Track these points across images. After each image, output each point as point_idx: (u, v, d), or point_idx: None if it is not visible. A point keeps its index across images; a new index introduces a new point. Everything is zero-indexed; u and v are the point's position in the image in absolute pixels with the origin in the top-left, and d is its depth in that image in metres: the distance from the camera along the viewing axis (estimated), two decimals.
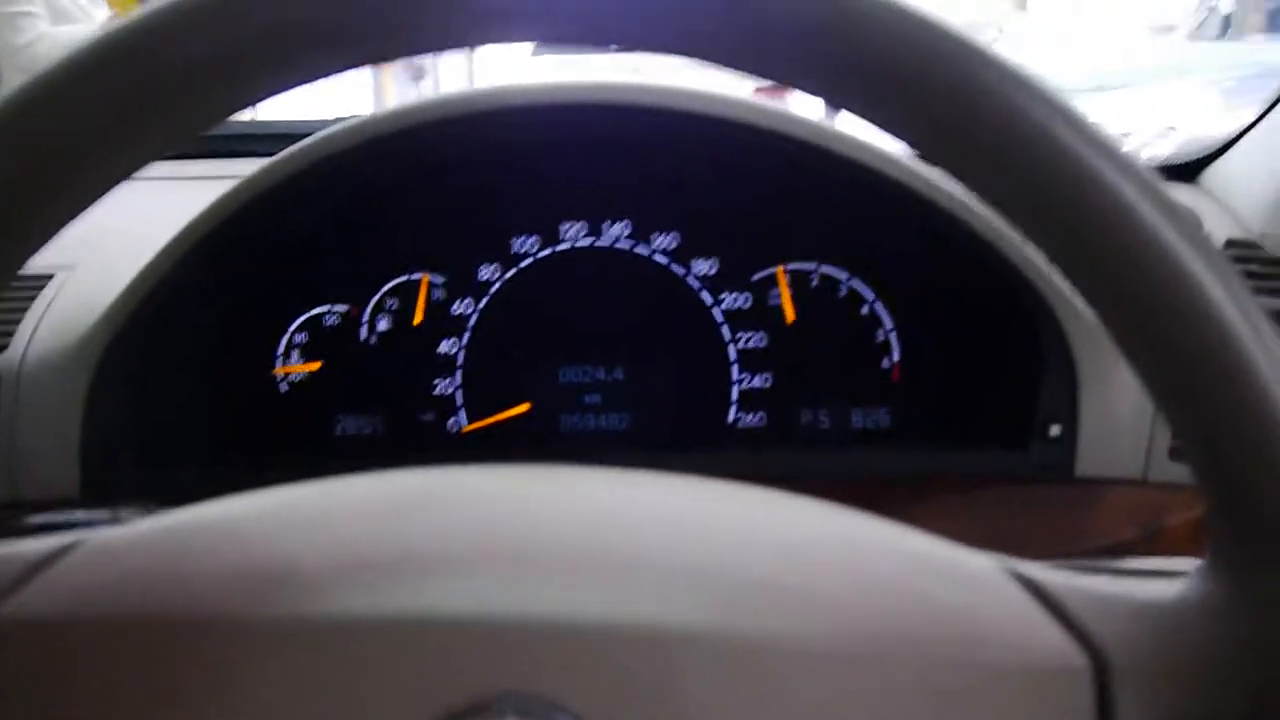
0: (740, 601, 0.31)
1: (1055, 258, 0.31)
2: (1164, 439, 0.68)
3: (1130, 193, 0.29)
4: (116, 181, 0.32)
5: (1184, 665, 0.31)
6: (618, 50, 0.34)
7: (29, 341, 0.70)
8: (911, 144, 0.31)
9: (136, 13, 0.30)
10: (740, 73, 0.31)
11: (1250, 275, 0.77)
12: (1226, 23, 6.88)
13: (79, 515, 0.58)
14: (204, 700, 0.31)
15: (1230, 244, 0.80)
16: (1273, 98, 0.90)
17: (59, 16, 3.20)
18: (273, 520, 0.35)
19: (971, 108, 0.29)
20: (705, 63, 0.31)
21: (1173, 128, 1.14)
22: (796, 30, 0.29)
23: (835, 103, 0.31)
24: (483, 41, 0.31)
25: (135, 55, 0.29)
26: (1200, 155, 0.95)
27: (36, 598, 0.33)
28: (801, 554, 0.33)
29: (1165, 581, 0.33)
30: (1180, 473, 0.68)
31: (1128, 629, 0.31)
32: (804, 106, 0.72)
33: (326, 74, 0.31)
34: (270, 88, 0.31)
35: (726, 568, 0.32)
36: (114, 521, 0.57)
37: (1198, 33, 6.83)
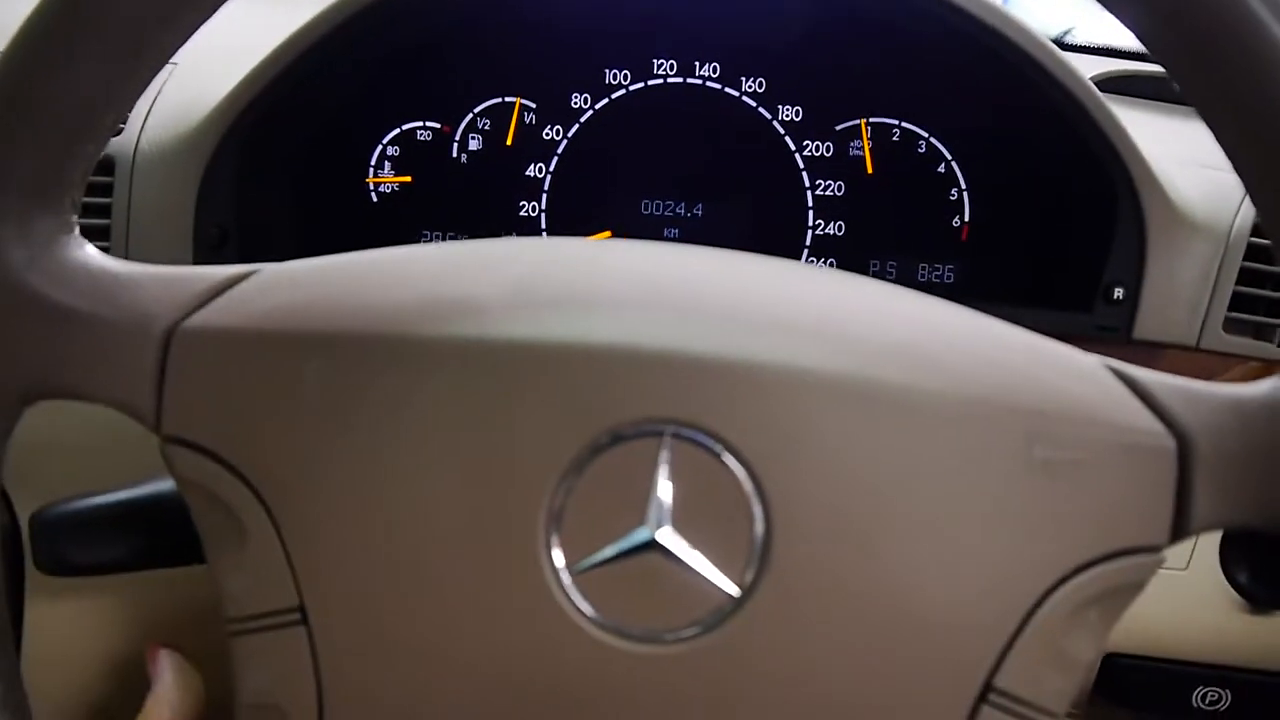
0: (876, 356, 0.35)
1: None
2: (1220, 311, 0.72)
3: None
4: None
5: (1261, 454, 0.35)
6: None
7: (142, 128, 0.73)
8: None
9: None
10: None
11: None
12: None
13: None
14: (379, 412, 0.34)
15: None
16: None
17: None
18: (444, 260, 0.38)
19: None
20: None
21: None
22: None
23: None
24: None
25: None
26: None
27: (222, 313, 0.37)
28: (935, 328, 0.37)
29: (1251, 384, 0.36)
30: (1231, 343, 0.72)
31: (1213, 418, 0.35)
32: None
33: None
34: None
35: (864, 327, 0.36)
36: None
37: None
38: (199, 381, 0.36)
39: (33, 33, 0.35)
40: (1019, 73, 0.69)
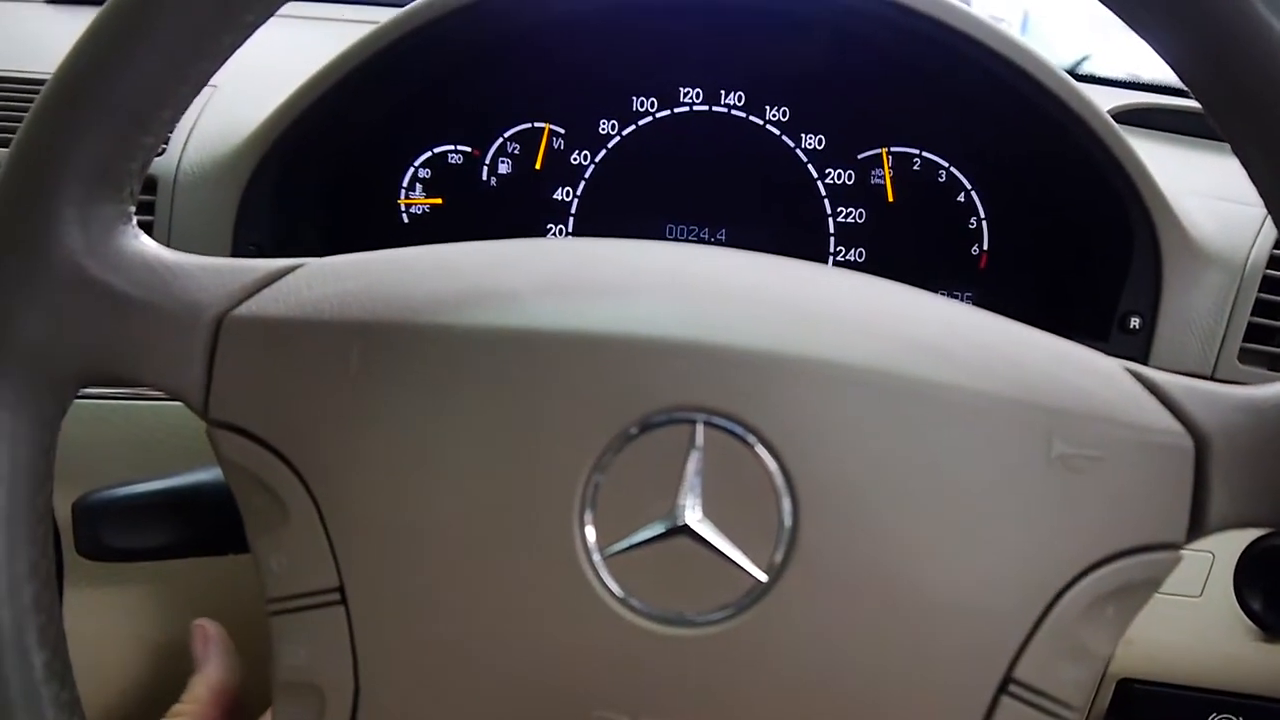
0: (905, 352, 0.36)
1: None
2: (1235, 341, 0.73)
3: None
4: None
5: (1277, 452, 0.36)
6: None
7: (183, 149, 0.75)
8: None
9: None
10: None
11: None
12: None
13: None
14: (420, 398, 0.36)
15: None
16: None
17: None
18: (482, 255, 0.40)
19: None
20: None
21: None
22: None
23: None
24: None
25: None
26: None
27: (270, 303, 0.38)
28: (960, 326, 0.38)
29: (1268, 384, 0.38)
30: (1246, 374, 0.73)
31: (1231, 418, 0.36)
32: None
33: None
34: None
35: (894, 323, 0.37)
36: None
37: None
38: (246, 368, 0.38)
39: (102, 28, 0.37)
40: (1036, 105, 0.71)
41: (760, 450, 0.34)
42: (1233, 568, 0.70)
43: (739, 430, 0.34)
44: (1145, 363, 0.74)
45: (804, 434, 0.34)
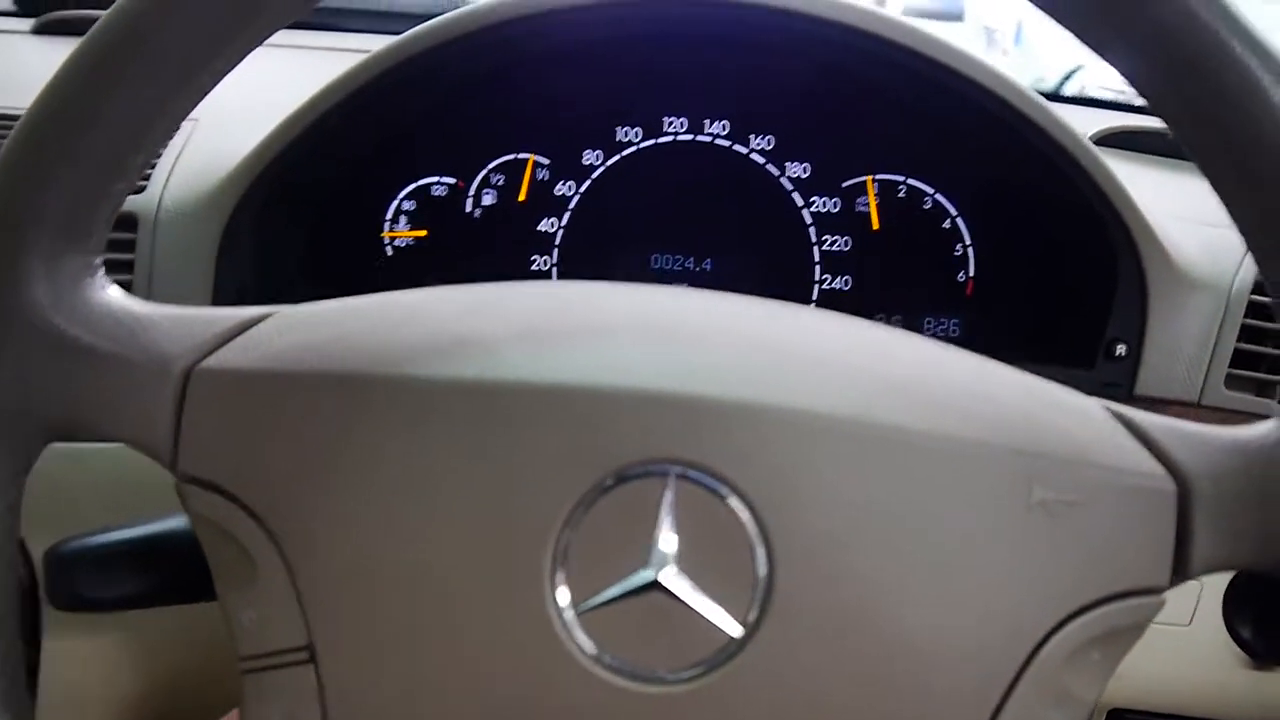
0: (879, 399, 0.35)
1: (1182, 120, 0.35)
2: (1221, 367, 0.73)
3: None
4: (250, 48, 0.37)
5: (1261, 495, 0.35)
6: None
7: (164, 187, 0.75)
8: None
9: None
10: None
11: None
12: None
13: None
14: (390, 452, 0.35)
15: None
16: None
17: None
18: (455, 302, 0.39)
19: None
20: None
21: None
22: None
23: None
24: None
25: None
26: None
27: (239, 354, 0.38)
28: (933, 370, 0.37)
29: (1249, 425, 0.37)
30: (1233, 400, 0.73)
31: (1212, 460, 0.36)
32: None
33: None
34: None
35: (868, 369, 0.37)
36: None
37: None
38: (215, 421, 0.37)
39: (67, 76, 0.36)
40: (1018, 133, 0.71)
41: (734, 502, 0.34)
42: (1222, 596, 0.70)
43: (712, 482, 0.34)
44: (1132, 390, 0.74)
45: (778, 484, 0.34)
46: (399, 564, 0.35)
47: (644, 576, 0.34)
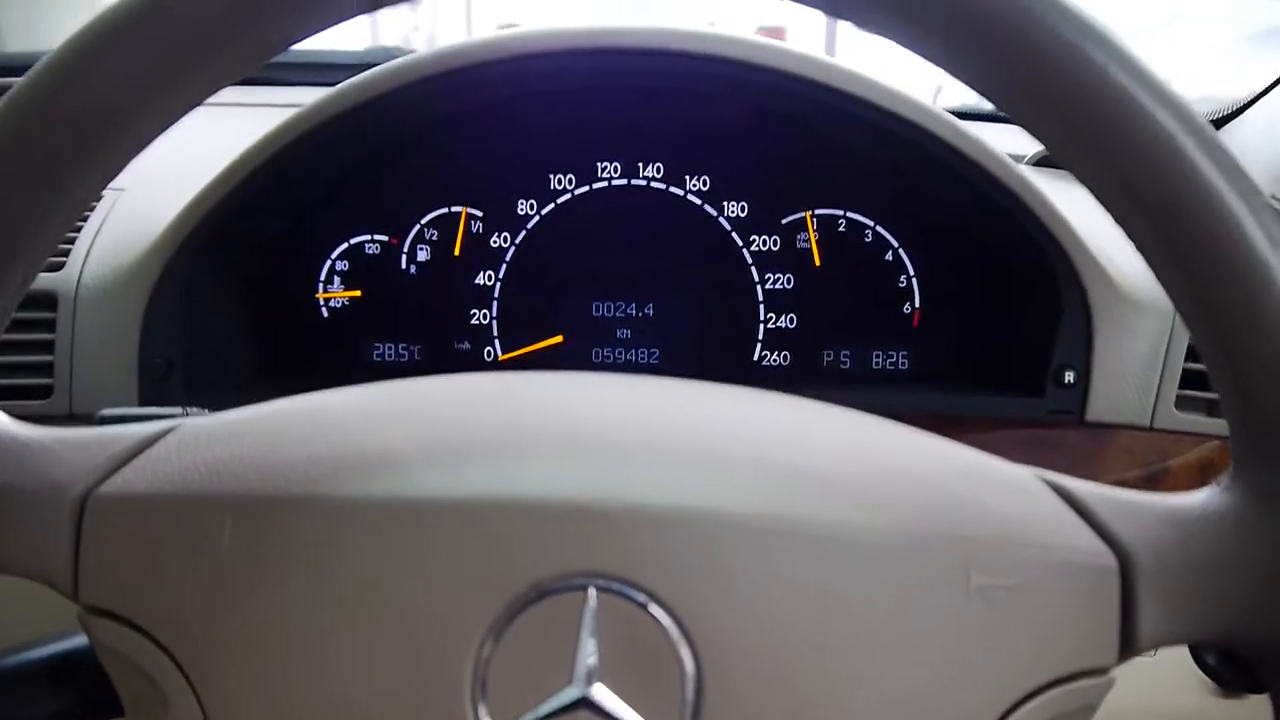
0: (798, 493, 0.34)
1: (1096, 184, 0.34)
2: (1171, 389, 0.72)
3: (1179, 132, 0.32)
4: (180, 115, 0.35)
5: (1207, 566, 0.34)
6: None
7: (84, 261, 0.73)
8: (970, 80, 0.34)
9: None
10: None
11: None
12: None
13: (153, 410, 0.60)
14: (298, 575, 0.33)
15: None
16: None
17: None
18: (361, 410, 0.37)
19: (1032, 48, 0.32)
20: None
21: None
22: None
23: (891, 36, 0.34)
24: None
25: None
26: (1213, 117, 0.98)
27: (138, 475, 0.36)
28: (855, 454, 0.36)
29: (1188, 494, 0.36)
30: (1184, 422, 0.72)
31: (1154, 532, 0.35)
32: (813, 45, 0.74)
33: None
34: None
35: (785, 462, 0.35)
36: (185, 416, 0.60)
37: None
38: (116, 548, 0.35)
39: None
40: (949, 163, 0.70)
41: (655, 610, 0.32)
42: None
43: (632, 592, 0.32)
44: (1083, 416, 0.73)
45: (699, 589, 0.32)
46: (313, 693, 0.33)
47: (570, 694, 0.32)
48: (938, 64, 0.34)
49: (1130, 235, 0.34)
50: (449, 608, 0.32)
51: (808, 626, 0.33)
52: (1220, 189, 0.32)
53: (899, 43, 0.34)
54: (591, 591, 0.32)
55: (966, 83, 0.34)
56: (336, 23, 0.34)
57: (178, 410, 0.61)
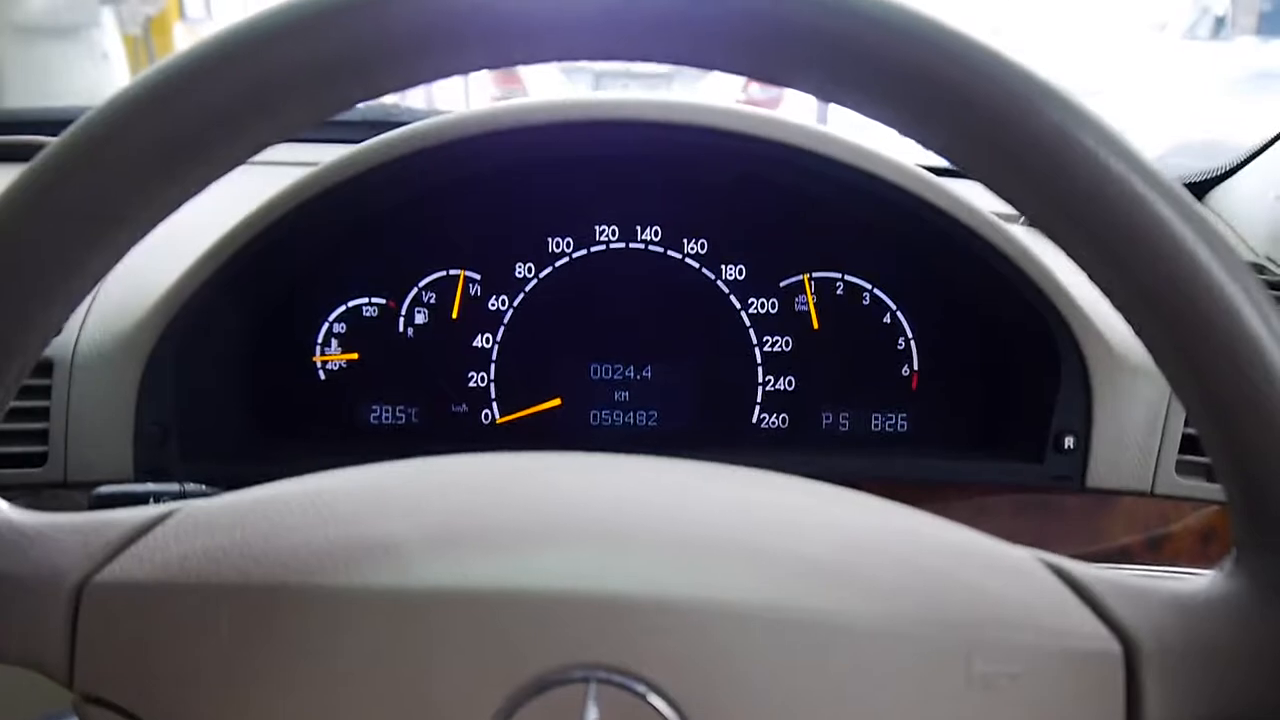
0: (797, 582, 0.34)
1: (1087, 265, 0.34)
2: (1171, 454, 0.72)
3: (1168, 211, 0.32)
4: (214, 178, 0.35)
5: (1211, 652, 0.34)
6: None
7: (81, 327, 0.72)
8: (947, 155, 0.34)
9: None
10: (775, 84, 0.34)
11: None
12: (1219, 24, 6.92)
13: (150, 486, 0.60)
14: (298, 666, 0.33)
15: None
16: None
17: None
18: (362, 495, 0.37)
19: (1007, 120, 0.32)
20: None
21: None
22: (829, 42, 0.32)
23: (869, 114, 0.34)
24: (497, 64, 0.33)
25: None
26: (1206, 176, 0.98)
27: (136, 563, 0.35)
28: (854, 540, 0.36)
29: (1191, 577, 0.36)
30: (1185, 487, 0.72)
31: (1157, 618, 0.34)
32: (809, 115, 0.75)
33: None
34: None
35: (784, 550, 0.35)
36: (181, 493, 0.60)
37: (1190, 33, 6.88)
38: (113, 637, 0.35)
39: None
40: (943, 227, 0.70)
41: (656, 701, 0.32)
42: None
43: (633, 684, 0.32)
44: (1084, 482, 0.72)
45: (700, 680, 0.32)
46: None
47: None
48: (906, 133, 0.34)
49: (1126, 318, 0.34)
50: (451, 700, 0.32)
51: (809, 716, 0.32)
52: (1228, 288, 0.32)
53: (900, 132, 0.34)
54: (592, 684, 0.32)
55: (945, 156, 0.34)
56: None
57: (175, 487, 0.61)
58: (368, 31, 0.31)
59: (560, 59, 0.33)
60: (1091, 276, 0.34)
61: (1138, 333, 0.34)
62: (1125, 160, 0.31)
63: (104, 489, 0.56)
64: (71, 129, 0.32)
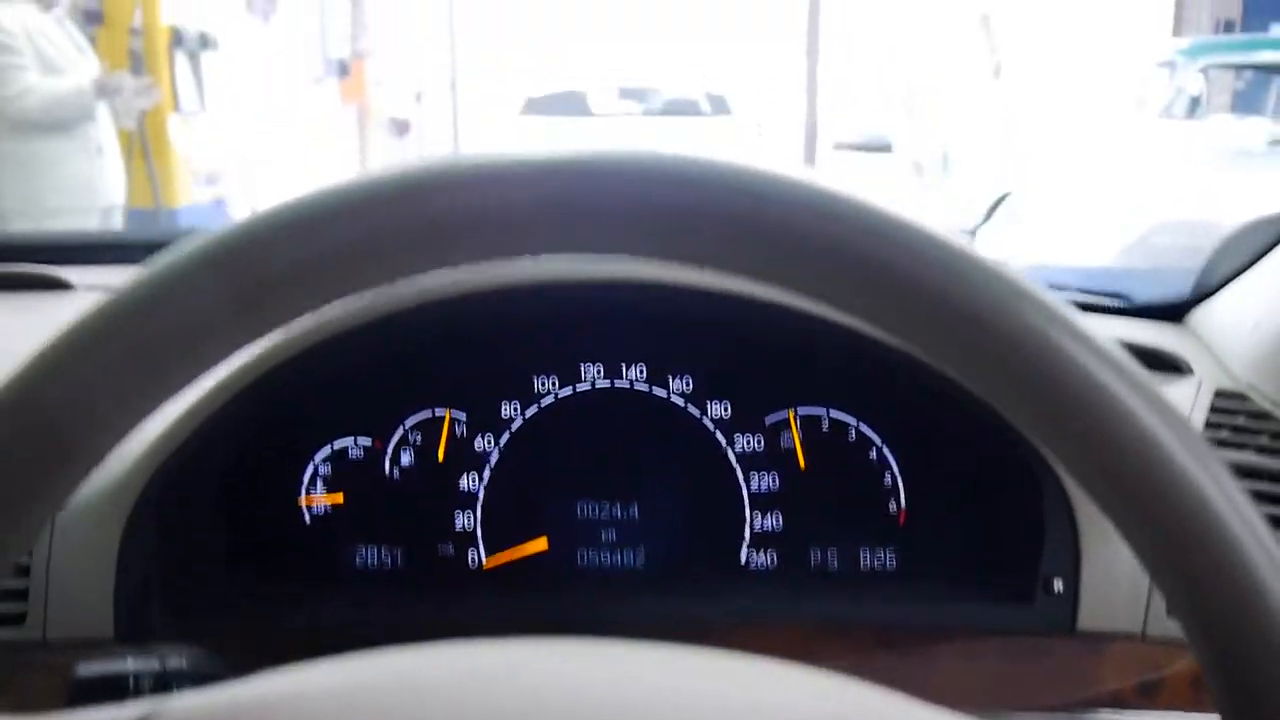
0: None
1: (1059, 451, 0.34)
2: (1161, 597, 0.71)
3: (1136, 403, 0.32)
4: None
5: None
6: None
7: None
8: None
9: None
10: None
11: (1236, 429, 0.80)
12: (1194, 103, 7.06)
13: (129, 664, 0.59)
14: None
15: (1220, 395, 0.84)
16: (1262, 248, 0.94)
17: (48, 68, 3.24)
18: (343, 698, 0.36)
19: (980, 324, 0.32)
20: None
21: None
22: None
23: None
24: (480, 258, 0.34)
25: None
26: (1184, 299, 0.99)
27: None
28: None
29: None
30: (1176, 629, 0.71)
31: None
32: None
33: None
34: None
35: None
36: (162, 670, 0.59)
37: (1167, 111, 7.00)
38: None
39: None
40: (927, 365, 0.70)
41: None
42: None
43: None
44: (1074, 626, 0.72)
45: None
46: None
47: None
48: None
49: (1120, 532, 0.35)
50: None
51: None
52: (1220, 506, 0.32)
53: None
54: None
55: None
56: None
57: (155, 664, 0.60)
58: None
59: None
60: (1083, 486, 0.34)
61: (1123, 536, 0.34)
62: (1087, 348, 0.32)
63: (83, 670, 0.55)
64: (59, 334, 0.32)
